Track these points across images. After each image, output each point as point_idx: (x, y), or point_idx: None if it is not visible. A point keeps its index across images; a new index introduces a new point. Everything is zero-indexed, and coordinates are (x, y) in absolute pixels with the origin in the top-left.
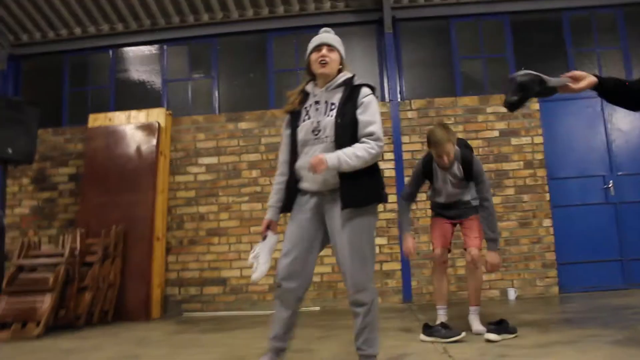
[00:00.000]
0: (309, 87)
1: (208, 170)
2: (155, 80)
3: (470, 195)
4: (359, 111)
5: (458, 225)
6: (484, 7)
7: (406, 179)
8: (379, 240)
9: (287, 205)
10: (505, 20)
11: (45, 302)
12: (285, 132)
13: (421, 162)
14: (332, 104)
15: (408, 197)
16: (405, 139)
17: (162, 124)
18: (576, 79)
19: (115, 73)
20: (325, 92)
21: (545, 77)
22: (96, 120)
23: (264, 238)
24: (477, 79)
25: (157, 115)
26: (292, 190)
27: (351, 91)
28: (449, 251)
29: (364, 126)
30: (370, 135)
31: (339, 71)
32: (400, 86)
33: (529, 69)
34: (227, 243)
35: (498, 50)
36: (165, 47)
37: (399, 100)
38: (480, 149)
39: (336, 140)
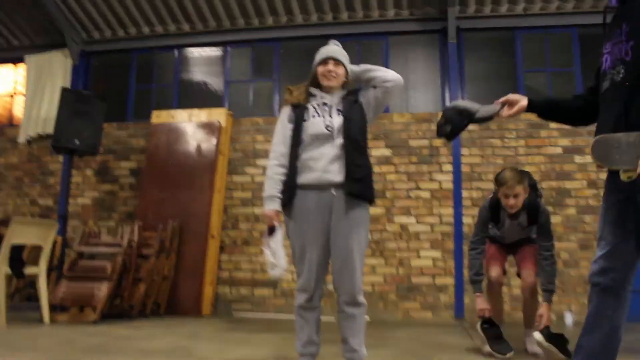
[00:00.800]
0: (314, 91)
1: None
2: (218, 81)
3: (533, 234)
4: (361, 96)
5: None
6: (552, 19)
7: (464, 192)
8: (432, 253)
9: (285, 200)
10: (573, 33)
11: (103, 290)
12: (288, 125)
13: (487, 205)
14: (339, 110)
15: (479, 244)
16: (464, 151)
17: (223, 124)
18: (511, 104)
19: (179, 72)
20: (332, 97)
21: (474, 107)
22: (159, 116)
23: (271, 231)
24: (542, 93)
25: (218, 115)
26: (291, 186)
27: (355, 99)
28: (505, 272)
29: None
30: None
31: (343, 85)
32: (462, 97)
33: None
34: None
35: (564, 64)
36: (228, 48)
37: None
38: (542, 166)
39: (345, 135)
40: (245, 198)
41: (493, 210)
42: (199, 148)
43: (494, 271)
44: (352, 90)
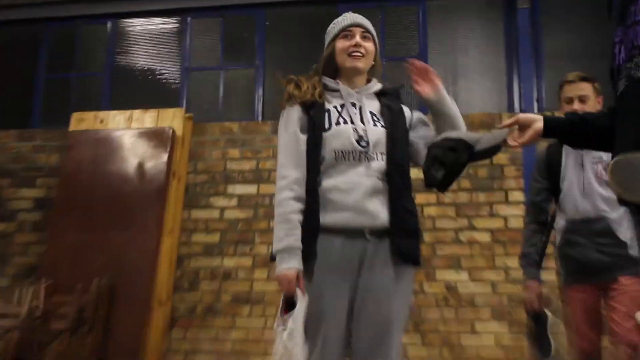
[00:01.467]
0: (330, 81)
1: (241, 204)
2: (171, 68)
3: (629, 232)
4: (414, 131)
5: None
6: None
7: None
8: (495, 327)
9: (307, 251)
10: None
11: None
12: (300, 136)
13: (544, 150)
14: (372, 113)
15: (537, 213)
16: None
17: (179, 132)
18: (522, 128)
19: (113, 55)
20: (362, 95)
21: (472, 138)
22: (81, 121)
23: (291, 302)
24: None
25: (172, 119)
26: (309, 228)
27: (400, 107)
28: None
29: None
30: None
31: (370, 72)
32: (538, 89)
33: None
34: (264, 315)
35: None
36: (189, 19)
37: (535, 111)
38: None
39: (389, 158)
40: (211, 244)
41: (551, 153)
42: (140, 167)
43: (582, 348)
44: (391, 88)
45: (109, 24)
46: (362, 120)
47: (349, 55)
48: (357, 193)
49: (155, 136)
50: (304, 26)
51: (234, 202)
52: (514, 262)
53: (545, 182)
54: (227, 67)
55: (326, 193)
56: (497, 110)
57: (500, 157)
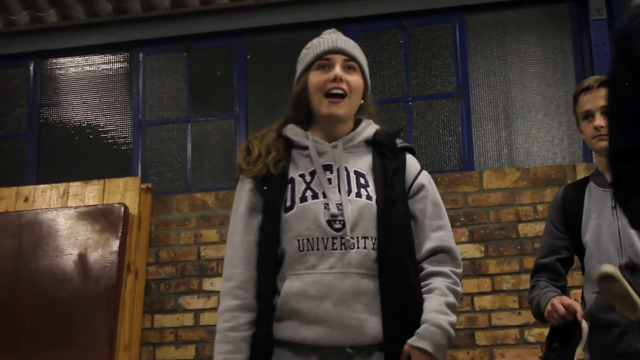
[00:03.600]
0: (297, 134)
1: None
2: (120, 123)
3: None
4: (414, 201)
5: None
6: None
7: None
8: None
9: None
10: None
11: None
12: (249, 222)
13: (561, 193)
14: (360, 174)
15: (550, 278)
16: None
17: (133, 209)
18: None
19: (39, 108)
20: (341, 150)
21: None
22: None
23: None
24: None
25: (123, 192)
26: (264, 347)
27: (396, 164)
28: None
29: (431, 234)
30: (444, 252)
31: (358, 110)
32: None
33: None
34: None
35: None
36: (141, 56)
37: None
38: None
39: (381, 249)
40: None
41: (569, 195)
42: (82, 262)
43: None
44: (384, 134)
45: (31, 67)
46: (338, 188)
47: (326, 95)
48: (330, 300)
49: (101, 216)
50: (287, 53)
51: (212, 301)
52: None
53: (565, 236)
54: (196, 118)
55: (290, 300)
56: (570, 161)
57: None
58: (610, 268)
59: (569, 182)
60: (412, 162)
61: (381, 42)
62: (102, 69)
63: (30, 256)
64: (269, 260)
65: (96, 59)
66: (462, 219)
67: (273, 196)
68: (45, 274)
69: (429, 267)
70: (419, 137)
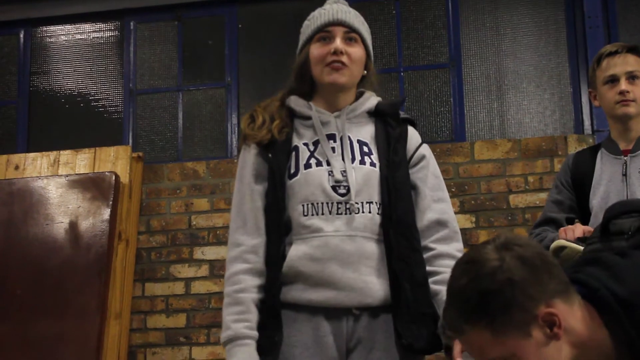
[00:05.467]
0: (300, 104)
1: (214, 274)
2: (111, 92)
3: None
4: (415, 171)
5: None
6: None
7: None
8: None
9: (268, 341)
10: None
11: None
12: (256, 189)
13: (572, 157)
14: (363, 143)
15: (552, 223)
16: None
17: (124, 178)
18: None
19: (29, 77)
20: (344, 120)
21: None
22: None
23: None
24: None
25: (114, 160)
26: (269, 307)
27: (400, 132)
28: None
29: (432, 205)
30: (446, 225)
31: (361, 81)
32: None
33: None
34: None
35: None
36: (132, 24)
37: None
38: None
39: (386, 212)
40: (174, 329)
41: (580, 159)
42: (73, 230)
43: None
44: (387, 104)
45: (21, 34)
46: (342, 156)
47: (327, 65)
48: (336, 262)
49: (92, 185)
50: (293, 26)
51: (203, 270)
52: None
53: (574, 197)
54: (188, 87)
55: (296, 264)
56: (561, 132)
57: None
58: (562, 242)
59: (560, 153)
60: (413, 134)
61: (373, 13)
62: (93, 37)
63: (21, 224)
64: (276, 226)
65: (87, 27)
66: (453, 190)
67: (278, 163)
68: (36, 242)
69: (436, 247)
70: (410, 108)
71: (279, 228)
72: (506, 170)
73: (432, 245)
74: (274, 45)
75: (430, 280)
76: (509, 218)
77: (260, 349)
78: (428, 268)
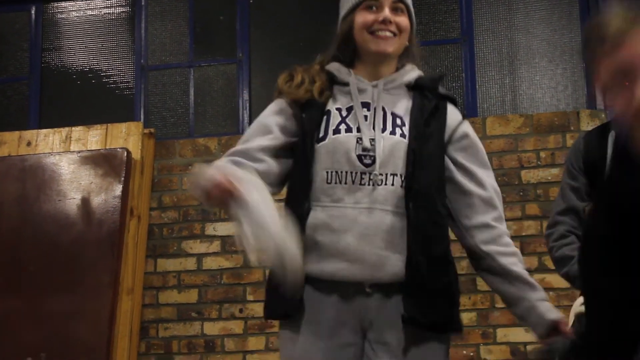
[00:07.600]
0: (341, 71)
1: (226, 250)
2: (122, 68)
3: None
4: (458, 148)
5: None
6: None
7: None
8: None
9: (289, 304)
10: None
11: None
12: (274, 129)
13: (581, 141)
14: (397, 116)
15: (561, 225)
16: None
17: (136, 154)
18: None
19: (41, 53)
20: (380, 90)
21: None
22: (0, 144)
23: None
24: None
25: (125, 137)
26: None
27: (436, 104)
28: None
29: (481, 191)
30: (497, 218)
31: (403, 52)
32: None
33: None
34: None
35: None
36: (143, 1)
37: None
38: None
39: (409, 185)
40: (186, 304)
41: (591, 143)
42: (86, 206)
43: None
44: (428, 79)
45: (32, 10)
46: (373, 125)
47: (373, 34)
48: (352, 234)
49: (104, 161)
50: (304, 1)
51: (215, 246)
52: None
53: (586, 180)
54: (199, 63)
55: (312, 232)
56: (573, 107)
57: None
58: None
59: (572, 128)
60: (453, 110)
61: None
62: (104, 13)
63: (34, 200)
64: (302, 187)
65: (98, 2)
66: None
67: (309, 124)
68: (49, 218)
69: (497, 226)
70: None
71: (304, 190)
72: (518, 146)
73: (493, 223)
74: (285, 20)
75: (509, 262)
76: (521, 194)
77: (285, 305)
78: (495, 247)
